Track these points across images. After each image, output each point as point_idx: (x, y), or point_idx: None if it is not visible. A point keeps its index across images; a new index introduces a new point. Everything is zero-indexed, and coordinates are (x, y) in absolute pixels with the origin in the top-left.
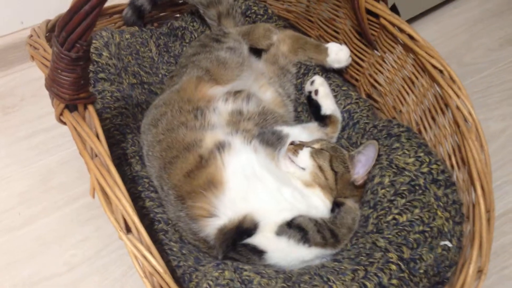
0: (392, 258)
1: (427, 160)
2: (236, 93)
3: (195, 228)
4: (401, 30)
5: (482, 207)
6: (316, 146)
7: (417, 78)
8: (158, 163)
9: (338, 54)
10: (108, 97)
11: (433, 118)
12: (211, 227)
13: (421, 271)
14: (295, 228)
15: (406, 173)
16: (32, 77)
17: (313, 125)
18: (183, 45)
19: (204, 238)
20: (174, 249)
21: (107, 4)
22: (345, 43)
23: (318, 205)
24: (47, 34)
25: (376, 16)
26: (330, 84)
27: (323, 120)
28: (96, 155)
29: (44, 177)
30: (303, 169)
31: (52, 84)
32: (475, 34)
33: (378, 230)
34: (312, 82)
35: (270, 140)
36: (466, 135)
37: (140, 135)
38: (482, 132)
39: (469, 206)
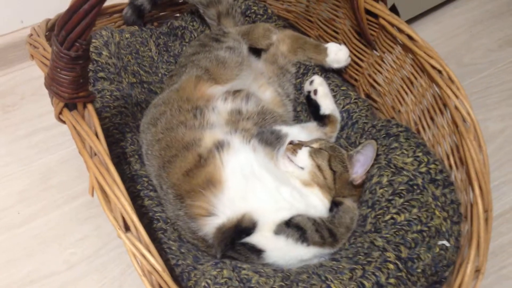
0: (390, 257)
1: (426, 160)
2: (235, 92)
3: (194, 227)
4: (400, 30)
5: (480, 207)
6: (315, 145)
7: (416, 78)
8: (157, 162)
9: (337, 54)
10: (107, 96)
11: (431, 118)
12: (210, 226)
13: (419, 270)
14: (293, 227)
15: (405, 172)
16: (32, 76)
17: (312, 125)
18: (182, 45)
19: (202, 237)
20: (173, 247)
21: (107, 4)
22: (345, 43)
23: (316, 204)
24: (47, 33)
25: (375, 16)
26: (329, 84)
27: (322, 119)
28: (95, 154)
29: (43, 175)
30: (302, 168)
31: (51, 83)
32: (474, 35)
33: (376, 229)
34: (311, 82)
35: (269, 139)
36: (464, 135)
37: (140, 134)
38: (481, 132)
39: (467, 206)
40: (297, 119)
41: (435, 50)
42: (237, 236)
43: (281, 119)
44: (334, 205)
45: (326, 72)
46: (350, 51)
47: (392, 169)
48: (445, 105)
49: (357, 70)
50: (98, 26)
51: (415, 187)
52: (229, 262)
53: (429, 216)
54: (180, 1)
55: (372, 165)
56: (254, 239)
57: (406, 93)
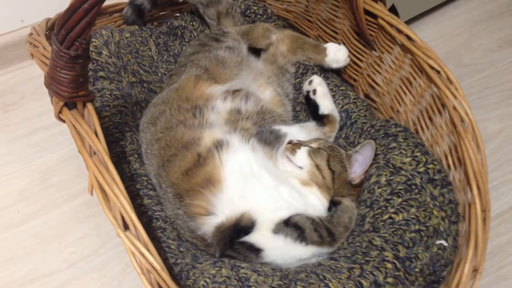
0: (388, 256)
1: (424, 159)
2: (235, 92)
3: (193, 226)
4: (399, 31)
5: (478, 206)
6: (314, 145)
7: (414, 78)
8: (156, 161)
9: (336, 54)
10: (107, 96)
11: (430, 118)
12: (209, 225)
13: (417, 269)
14: (292, 226)
15: (403, 172)
16: (32, 75)
17: (311, 125)
18: (182, 44)
19: (201, 236)
20: (172, 246)
21: (107, 3)
22: (344, 43)
23: (315, 203)
24: (47, 32)
25: (374, 16)
26: (328, 84)
27: (321, 119)
28: (95, 153)
29: (43, 174)
30: (301, 168)
31: (51, 82)
32: (474, 35)
33: (375, 229)
34: (310, 82)
35: (268, 139)
36: (462, 135)
37: (139, 133)
38: (479, 132)
39: (465, 205)
40: (296, 119)
41: (434, 51)
42: (236, 235)
43: (280, 119)
44: (333, 204)
45: (325, 72)
46: (349, 51)
47: (390, 169)
48: (443, 105)
49: (356, 70)
50: (98, 25)
51: (413, 186)
52: (228, 261)
53: (427, 216)
54: (180, 0)
55: (371, 165)
56: (253, 238)
57: (405, 93)
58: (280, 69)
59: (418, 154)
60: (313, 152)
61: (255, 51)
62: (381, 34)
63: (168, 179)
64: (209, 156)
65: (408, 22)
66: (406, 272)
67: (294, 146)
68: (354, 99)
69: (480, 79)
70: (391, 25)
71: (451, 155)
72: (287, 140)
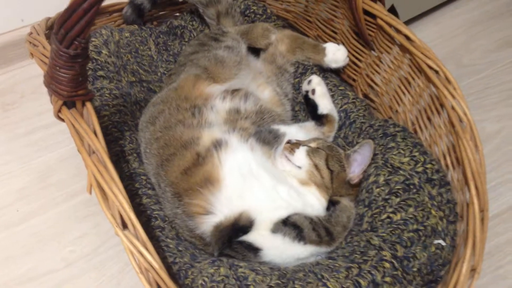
0: (386, 256)
1: (422, 159)
2: (234, 91)
3: (191, 225)
4: (398, 31)
5: (476, 206)
6: (313, 145)
7: (413, 78)
8: (155, 160)
9: (335, 54)
10: (106, 95)
11: (428, 118)
12: (207, 224)
13: (415, 269)
14: (290, 226)
15: (401, 172)
16: (32, 74)
17: (310, 124)
18: (182, 44)
19: (200, 235)
20: (171, 245)
21: (107, 3)
22: (343, 43)
23: (313, 203)
24: (46, 32)
25: (373, 16)
26: (327, 84)
27: (319, 119)
28: (94, 152)
29: (43, 173)
30: (299, 167)
31: (50, 81)
32: (474, 36)
33: (373, 228)
34: (309, 82)
35: (267, 138)
36: (461, 135)
37: (138, 132)
38: (477, 132)
39: (463, 205)
40: (295, 119)
41: (433, 51)
42: (234, 235)
43: (279, 119)
44: (331, 204)
45: (324, 72)
46: (348, 51)
47: (389, 169)
48: (442, 105)
49: (355, 70)
50: (98, 25)
51: (412, 186)
52: (226, 260)
53: (425, 216)
54: (180, 0)
55: (369, 165)
56: (251, 237)
57: (404, 93)
58: (279, 68)
59: (417, 154)
60: (311, 152)
61: (255, 51)
62: (380, 34)
63: (167, 178)
64: (208, 156)
65: (408, 22)
66: (404, 272)
67: (293, 145)
68: (353, 99)
69: (479, 80)
70: (390, 25)
71: (450, 155)
72: (285, 139)
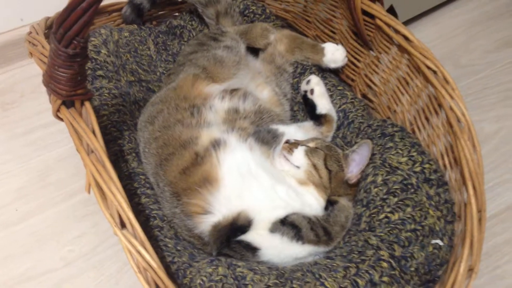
0: (383, 255)
1: (420, 159)
2: (233, 91)
3: (190, 225)
4: (396, 31)
5: (473, 206)
6: (311, 144)
7: (411, 78)
8: (154, 160)
9: (334, 54)
10: (105, 94)
11: (426, 118)
12: (206, 223)
13: (412, 269)
14: (288, 225)
15: (399, 172)
16: (31, 73)
17: (309, 124)
18: (181, 44)
19: (198, 235)
20: (169, 245)
21: (106, 2)
22: (342, 43)
23: (312, 203)
24: (46, 31)
25: (372, 17)
26: (326, 84)
27: (318, 119)
28: (92, 151)
29: (41, 173)
30: (298, 167)
31: (49, 80)
32: (473, 36)
33: (371, 228)
34: (308, 82)
35: (266, 138)
36: (458, 135)
37: (137, 132)
38: (475, 132)
39: (461, 205)
40: (294, 119)
41: (431, 51)
42: (232, 234)
43: (278, 118)
44: (330, 204)
45: (323, 72)
46: (347, 51)
47: (387, 169)
48: (440, 105)
49: (353, 70)
50: (97, 24)
51: (410, 186)
52: (225, 259)
53: (423, 215)
54: (179, 0)
55: (367, 165)
56: (250, 237)
57: (402, 93)
58: (278, 68)
59: (415, 154)
60: (310, 152)
61: (254, 51)
62: (378, 35)
63: (165, 178)
64: (207, 155)
65: (407, 22)
66: (401, 271)
67: (291, 145)
68: (351, 99)
69: (477, 80)
70: (389, 26)
71: (447, 155)
72: (284, 139)
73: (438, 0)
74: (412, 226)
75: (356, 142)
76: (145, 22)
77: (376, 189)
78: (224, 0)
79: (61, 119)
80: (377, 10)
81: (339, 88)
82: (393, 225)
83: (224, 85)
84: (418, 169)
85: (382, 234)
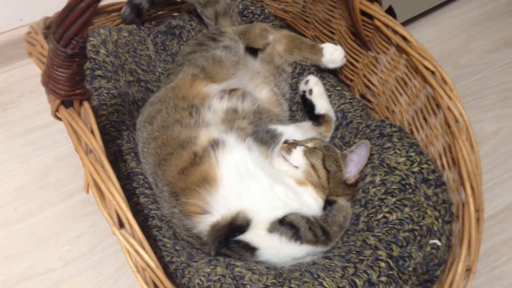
0: (381, 255)
1: (418, 159)
2: (232, 91)
3: (188, 225)
4: (395, 32)
5: (471, 206)
6: (310, 145)
7: (409, 79)
8: (153, 160)
9: (333, 54)
10: (104, 94)
11: (425, 119)
12: (204, 223)
13: (410, 269)
14: (287, 225)
15: (397, 172)
16: (31, 73)
17: (307, 124)
18: (180, 44)
19: (197, 235)
20: (168, 245)
21: (105, 2)
22: (340, 44)
23: (310, 203)
24: (45, 31)
25: (371, 17)
26: (324, 84)
27: (317, 119)
28: (91, 151)
29: (41, 173)
30: (296, 167)
31: (48, 80)
32: (472, 36)
33: (369, 228)
34: (307, 82)
35: (264, 138)
36: (457, 135)
37: (136, 132)
38: (473, 133)
39: (459, 205)
40: (292, 119)
41: (429, 51)
42: (231, 234)
43: (277, 118)
44: (328, 204)
45: (322, 72)
46: (346, 51)
47: (385, 169)
48: (438, 105)
49: (352, 70)
50: (96, 24)
51: (408, 186)
52: (223, 259)
53: (420, 215)
54: (178, 0)
55: (366, 165)
56: (248, 237)
57: (400, 93)
58: (277, 69)
59: (413, 154)
60: (308, 152)
61: (252, 51)
62: (377, 35)
63: (164, 178)
64: (205, 155)
65: (407, 22)
66: (399, 271)
67: (290, 145)
68: (350, 99)
69: (476, 80)
70: (387, 26)
71: (445, 156)
72: (283, 139)
73: (437, 0)
74: (410, 226)
75: (354, 142)
76: (144, 22)
77: (374, 189)
78: (223, 0)
79: (60, 119)
80: (376, 10)
81: (337, 88)
82: (391, 225)
83: (223, 85)
84: (416, 169)
85: (380, 234)
